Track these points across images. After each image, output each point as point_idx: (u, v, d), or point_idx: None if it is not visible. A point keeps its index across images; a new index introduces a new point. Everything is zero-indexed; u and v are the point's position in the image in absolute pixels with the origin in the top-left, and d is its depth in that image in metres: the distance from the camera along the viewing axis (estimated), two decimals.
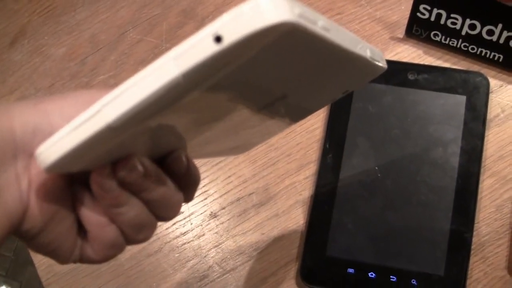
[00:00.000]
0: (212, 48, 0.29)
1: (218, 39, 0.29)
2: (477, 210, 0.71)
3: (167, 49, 0.82)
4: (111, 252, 0.46)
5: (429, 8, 0.76)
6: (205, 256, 0.74)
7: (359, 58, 0.39)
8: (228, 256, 0.74)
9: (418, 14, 0.77)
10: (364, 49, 0.39)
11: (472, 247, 0.70)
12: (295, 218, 0.75)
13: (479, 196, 0.72)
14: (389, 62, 0.70)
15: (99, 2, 0.89)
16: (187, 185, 0.47)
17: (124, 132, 0.34)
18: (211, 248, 0.75)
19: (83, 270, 0.76)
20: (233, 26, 0.29)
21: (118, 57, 0.84)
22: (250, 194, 0.76)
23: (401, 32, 0.81)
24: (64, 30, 0.87)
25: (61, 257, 0.45)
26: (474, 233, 0.71)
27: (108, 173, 0.41)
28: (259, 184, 0.76)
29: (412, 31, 0.79)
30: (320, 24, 0.31)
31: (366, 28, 0.81)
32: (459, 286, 0.69)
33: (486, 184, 0.73)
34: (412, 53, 0.80)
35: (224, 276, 0.74)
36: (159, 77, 0.30)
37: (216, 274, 0.74)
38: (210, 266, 0.74)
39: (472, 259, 0.70)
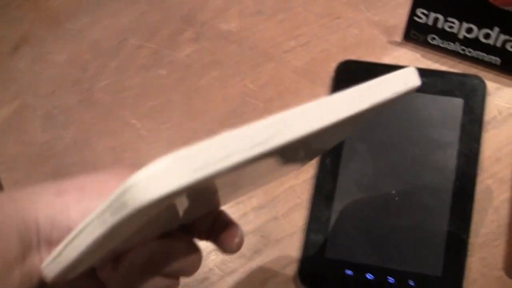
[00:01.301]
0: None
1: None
2: (474, 211, 0.72)
3: (167, 55, 0.83)
4: None
5: (426, 12, 0.77)
6: (205, 259, 0.75)
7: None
8: (228, 259, 0.75)
9: (416, 18, 0.78)
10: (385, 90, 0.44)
11: (469, 248, 0.71)
12: (294, 221, 0.75)
13: (476, 198, 0.72)
14: (386, 66, 0.70)
15: (101, 9, 0.90)
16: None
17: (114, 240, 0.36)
18: (211, 251, 0.75)
19: None
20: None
21: (119, 64, 0.85)
22: (250, 198, 0.76)
23: (399, 36, 0.82)
24: (66, 37, 0.88)
25: None
26: (471, 234, 0.71)
27: (110, 270, 0.44)
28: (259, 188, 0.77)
29: (410, 35, 0.80)
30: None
31: (364, 32, 0.82)
32: (456, 286, 0.69)
33: (484, 185, 0.73)
34: (410, 57, 0.81)
35: (224, 279, 0.74)
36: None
37: (216, 277, 0.75)
38: (210, 269, 0.75)
39: (469, 260, 0.71)
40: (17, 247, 0.41)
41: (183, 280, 0.73)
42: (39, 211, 0.42)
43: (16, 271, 0.41)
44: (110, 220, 0.32)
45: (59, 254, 0.38)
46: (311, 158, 0.61)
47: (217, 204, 0.49)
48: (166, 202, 0.31)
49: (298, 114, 0.35)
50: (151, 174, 0.29)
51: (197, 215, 0.48)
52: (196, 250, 0.49)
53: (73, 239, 0.36)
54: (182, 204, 0.37)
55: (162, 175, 0.29)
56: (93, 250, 0.36)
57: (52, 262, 0.39)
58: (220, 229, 0.50)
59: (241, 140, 0.32)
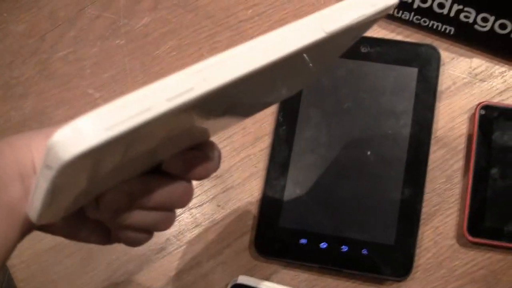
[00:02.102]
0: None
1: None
2: (427, 180, 0.73)
3: (125, 24, 0.83)
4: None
5: None
6: None
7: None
8: (185, 228, 0.75)
9: None
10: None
11: (422, 217, 0.72)
12: (250, 190, 0.76)
13: (429, 167, 0.73)
14: None
15: None
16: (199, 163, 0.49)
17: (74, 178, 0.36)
18: None
19: (47, 242, 0.77)
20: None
21: (76, 34, 0.85)
22: None
23: None
24: (23, 6, 0.87)
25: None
26: (424, 203, 0.72)
27: (93, 209, 0.46)
28: None
29: None
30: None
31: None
32: (409, 255, 0.70)
33: (437, 155, 0.74)
34: None
35: (181, 248, 0.75)
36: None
37: (173, 247, 0.75)
38: (167, 239, 0.75)
39: (422, 229, 0.72)
40: (20, 190, 0.43)
41: (142, 253, 0.74)
42: (34, 154, 0.44)
43: (21, 213, 0.43)
44: (48, 173, 0.32)
45: (32, 197, 0.38)
46: (275, 98, 0.59)
47: (198, 137, 0.49)
48: (89, 159, 0.31)
49: (222, 60, 0.34)
50: (66, 135, 0.30)
51: (180, 149, 0.48)
52: (178, 181, 0.48)
53: (36, 184, 0.36)
54: (136, 147, 0.37)
55: (75, 136, 0.30)
56: (56, 194, 0.36)
57: (31, 205, 0.39)
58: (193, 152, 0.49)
59: (156, 94, 0.32)
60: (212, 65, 0.33)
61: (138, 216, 0.47)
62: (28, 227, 0.44)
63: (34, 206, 0.39)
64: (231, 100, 0.41)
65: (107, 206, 0.45)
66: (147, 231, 0.51)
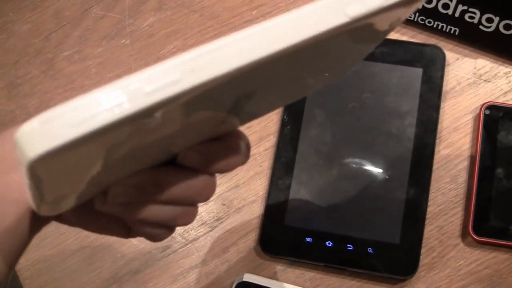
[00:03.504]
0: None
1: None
2: (432, 180, 0.73)
3: (130, 24, 0.83)
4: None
5: None
6: None
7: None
8: (190, 227, 0.75)
9: None
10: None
11: (428, 216, 0.72)
12: (255, 189, 0.76)
13: (434, 167, 0.74)
14: None
15: None
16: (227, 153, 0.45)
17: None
18: None
19: (51, 241, 0.77)
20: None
21: (82, 33, 0.85)
22: None
23: None
24: (28, 6, 0.87)
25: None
26: (430, 202, 0.72)
27: (101, 202, 0.43)
28: None
29: None
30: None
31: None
32: (414, 254, 0.70)
33: (442, 154, 0.74)
34: None
35: (187, 246, 0.75)
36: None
37: (178, 245, 0.75)
38: (172, 237, 0.75)
39: (427, 228, 0.72)
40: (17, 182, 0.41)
41: (147, 251, 0.74)
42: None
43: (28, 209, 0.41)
44: (22, 170, 0.29)
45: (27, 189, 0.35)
46: (279, 102, 0.54)
47: (223, 127, 0.44)
48: (66, 155, 0.28)
49: (219, 47, 0.30)
50: (32, 129, 0.27)
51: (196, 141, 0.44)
52: (197, 174, 0.44)
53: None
54: (141, 138, 0.33)
55: (41, 132, 0.27)
56: (44, 187, 0.33)
57: (29, 197, 0.36)
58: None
59: (134, 87, 0.28)
60: (204, 53, 0.30)
61: (152, 211, 0.44)
62: (41, 218, 0.42)
63: (29, 198, 0.36)
64: (242, 91, 0.37)
65: (114, 200, 0.42)
66: (166, 226, 0.47)
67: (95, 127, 0.27)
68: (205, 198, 0.46)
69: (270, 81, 0.38)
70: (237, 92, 0.36)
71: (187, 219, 0.47)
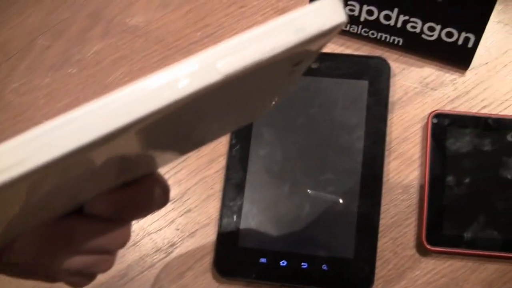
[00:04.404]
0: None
1: None
2: (384, 192, 0.73)
3: (76, 53, 0.83)
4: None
5: None
6: (123, 256, 0.75)
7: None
8: (145, 254, 0.75)
9: None
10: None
11: (381, 228, 0.72)
12: (208, 212, 0.75)
13: (385, 178, 0.73)
14: None
15: (9, 9, 0.89)
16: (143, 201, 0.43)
17: None
18: (129, 247, 0.75)
19: None
20: None
21: (29, 65, 0.84)
22: None
23: None
24: None
25: None
26: (382, 215, 0.72)
27: (9, 251, 0.40)
28: (171, 181, 0.76)
29: None
30: None
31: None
32: (369, 267, 0.70)
33: (392, 166, 0.74)
34: None
35: (143, 274, 0.75)
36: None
37: (134, 272, 0.75)
38: (129, 265, 0.75)
39: (382, 241, 0.72)
40: None
41: (105, 281, 0.73)
42: None
43: None
44: None
45: None
46: (213, 136, 0.50)
47: (139, 170, 0.41)
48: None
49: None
50: None
51: (137, 175, 0.41)
52: (107, 223, 0.42)
53: None
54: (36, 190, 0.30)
55: None
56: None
57: None
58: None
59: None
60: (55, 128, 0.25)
61: (63, 260, 0.41)
62: None
63: None
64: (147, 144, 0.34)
65: (21, 251, 0.40)
66: (81, 275, 0.45)
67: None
68: (119, 246, 0.44)
69: (176, 130, 0.35)
70: (140, 145, 0.33)
71: (103, 267, 0.45)
